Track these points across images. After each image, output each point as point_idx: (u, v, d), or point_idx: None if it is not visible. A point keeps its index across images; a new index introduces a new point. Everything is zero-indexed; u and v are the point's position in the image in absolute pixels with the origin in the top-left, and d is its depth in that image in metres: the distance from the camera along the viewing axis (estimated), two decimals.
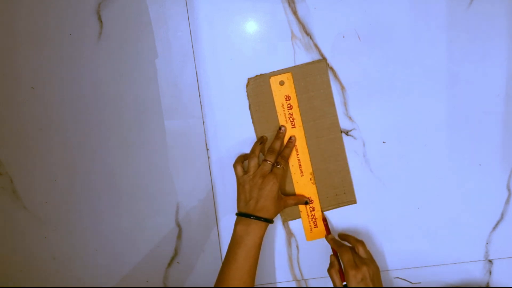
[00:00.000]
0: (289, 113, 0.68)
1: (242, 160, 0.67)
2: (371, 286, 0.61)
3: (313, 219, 0.72)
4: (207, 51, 0.67)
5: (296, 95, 0.68)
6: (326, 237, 0.70)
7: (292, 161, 0.70)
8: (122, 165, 0.70)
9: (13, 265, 0.75)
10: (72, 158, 0.70)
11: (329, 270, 0.66)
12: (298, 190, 0.70)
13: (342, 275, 0.65)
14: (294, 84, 0.67)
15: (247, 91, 0.68)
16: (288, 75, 0.67)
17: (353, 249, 0.65)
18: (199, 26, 0.66)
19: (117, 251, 0.74)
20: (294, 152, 0.69)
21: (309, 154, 0.70)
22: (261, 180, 0.63)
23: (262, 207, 0.62)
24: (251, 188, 0.63)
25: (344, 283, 0.63)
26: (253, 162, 0.64)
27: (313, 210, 0.71)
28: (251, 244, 0.61)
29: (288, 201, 0.67)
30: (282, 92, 0.67)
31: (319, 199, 0.71)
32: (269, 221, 0.63)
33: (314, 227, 0.72)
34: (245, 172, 0.65)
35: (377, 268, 0.64)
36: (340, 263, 0.66)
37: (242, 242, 0.61)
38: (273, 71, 0.67)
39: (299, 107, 0.68)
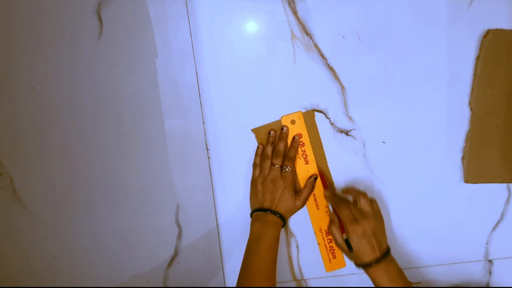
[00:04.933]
0: (302, 150, 0.69)
1: (259, 161, 0.68)
2: (373, 239, 0.60)
3: (331, 250, 0.72)
4: (207, 51, 0.67)
5: (308, 133, 0.69)
6: (324, 194, 0.70)
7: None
8: (122, 165, 0.70)
9: (13, 265, 0.75)
10: (72, 158, 0.70)
11: (329, 228, 0.66)
12: (315, 223, 0.71)
13: (343, 230, 0.64)
14: (305, 123, 0.68)
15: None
16: (299, 114, 0.69)
17: (354, 203, 0.64)
18: (199, 26, 0.66)
19: (117, 251, 0.74)
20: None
21: (323, 188, 0.70)
22: (272, 184, 0.65)
23: (276, 208, 0.65)
24: (262, 190, 0.66)
25: (345, 237, 0.63)
26: (267, 164, 0.67)
27: (331, 242, 0.72)
28: (271, 237, 0.63)
29: (303, 196, 0.67)
30: (294, 131, 0.69)
31: None
32: (284, 219, 0.65)
33: (333, 258, 0.72)
34: (259, 173, 0.67)
35: (380, 220, 0.63)
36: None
37: (262, 236, 0.63)
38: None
39: (311, 143, 0.69)
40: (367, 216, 0.61)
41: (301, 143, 0.69)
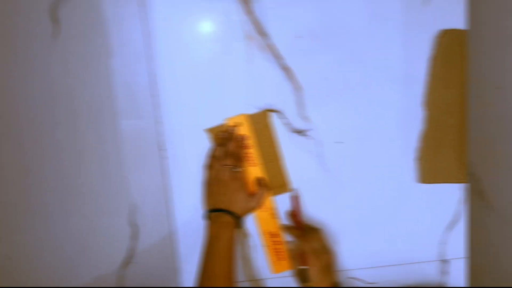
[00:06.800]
0: (248, 153, 0.69)
1: (211, 162, 0.68)
2: (329, 274, 0.64)
3: (278, 252, 0.72)
4: (162, 51, 0.67)
5: (255, 135, 0.69)
6: (285, 228, 0.70)
7: None
8: (76, 165, 0.70)
9: None
10: (25, 158, 0.69)
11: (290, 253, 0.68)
12: (261, 225, 0.71)
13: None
14: (251, 125, 0.68)
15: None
16: (245, 116, 0.68)
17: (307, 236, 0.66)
18: (154, 26, 0.66)
19: (72, 252, 0.73)
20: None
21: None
22: (224, 185, 0.65)
23: (230, 208, 0.64)
24: (215, 191, 0.65)
25: (304, 267, 0.64)
26: (217, 165, 0.66)
27: (277, 244, 0.71)
28: (227, 238, 0.62)
29: (257, 198, 0.67)
30: (240, 133, 0.68)
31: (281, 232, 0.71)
32: (239, 219, 0.64)
33: (280, 260, 0.72)
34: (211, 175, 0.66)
35: (334, 255, 0.67)
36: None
37: (219, 237, 0.62)
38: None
39: (258, 146, 0.69)
40: (327, 251, 0.65)
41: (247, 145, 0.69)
